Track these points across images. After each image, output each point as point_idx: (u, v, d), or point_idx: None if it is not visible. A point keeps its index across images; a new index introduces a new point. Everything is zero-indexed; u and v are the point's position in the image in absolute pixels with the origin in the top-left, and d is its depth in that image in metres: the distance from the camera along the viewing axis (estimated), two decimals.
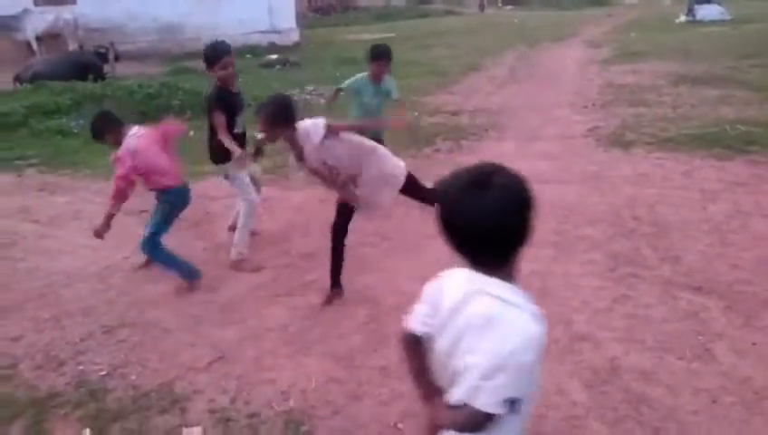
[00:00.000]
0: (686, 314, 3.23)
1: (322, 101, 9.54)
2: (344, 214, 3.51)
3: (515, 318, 1.27)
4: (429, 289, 1.49)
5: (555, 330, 3.12)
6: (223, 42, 4.07)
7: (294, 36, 17.42)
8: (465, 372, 1.30)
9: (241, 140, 4.14)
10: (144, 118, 7.75)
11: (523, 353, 1.25)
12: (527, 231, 1.28)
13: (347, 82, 4.63)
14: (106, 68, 12.22)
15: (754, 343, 2.95)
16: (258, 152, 3.92)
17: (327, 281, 3.76)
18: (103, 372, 3.01)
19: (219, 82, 3.97)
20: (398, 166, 3.41)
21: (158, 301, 3.69)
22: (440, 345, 1.40)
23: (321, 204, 5.12)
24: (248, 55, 14.10)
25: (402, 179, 3.37)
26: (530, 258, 3.65)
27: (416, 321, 1.50)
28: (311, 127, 3.21)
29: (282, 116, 3.19)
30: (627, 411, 2.54)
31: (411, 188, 3.45)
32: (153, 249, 3.81)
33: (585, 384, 2.72)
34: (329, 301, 3.56)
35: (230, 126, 3.97)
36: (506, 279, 1.32)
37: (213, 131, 4.00)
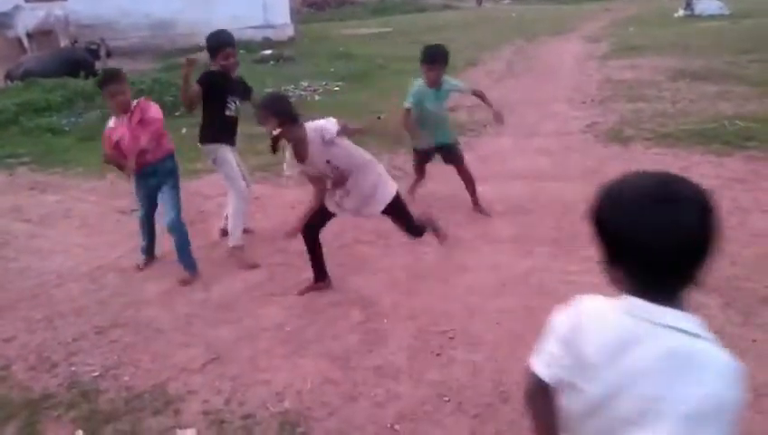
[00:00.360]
0: None
1: (317, 97, 9.50)
2: (321, 217, 3.50)
3: (714, 355, 1.09)
4: (560, 323, 1.26)
5: None
6: (225, 31, 4.10)
7: (289, 31, 17.31)
8: (651, 421, 1.09)
9: (231, 123, 4.18)
10: None
11: (732, 394, 1.07)
12: (714, 249, 1.11)
13: (409, 97, 4.26)
14: (98, 65, 12.11)
15: (754, 341, 2.93)
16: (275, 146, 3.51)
17: None
18: (96, 373, 2.98)
19: (221, 67, 4.02)
20: (389, 184, 3.43)
21: (152, 301, 3.65)
22: (591, 391, 1.17)
23: None
24: (242, 51, 13.98)
25: (389, 197, 3.39)
26: (528, 255, 3.63)
27: (545, 363, 1.26)
28: (325, 124, 3.18)
29: (289, 113, 3.13)
30: None
31: (398, 212, 3.46)
32: (181, 229, 3.87)
33: None
34: (306, 290, 3.61)
35: (220, 107, 4.04)
36: (681, 307, 1.13)
37: (205, 113, 4.08)
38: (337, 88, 10.06)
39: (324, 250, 3.64)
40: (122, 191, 5.52)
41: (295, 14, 18.57)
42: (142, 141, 3.66)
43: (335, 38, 17.64)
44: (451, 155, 4.54)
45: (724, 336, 2.95)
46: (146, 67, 12.89)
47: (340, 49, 14.15)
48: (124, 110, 3.72)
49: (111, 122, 3.80)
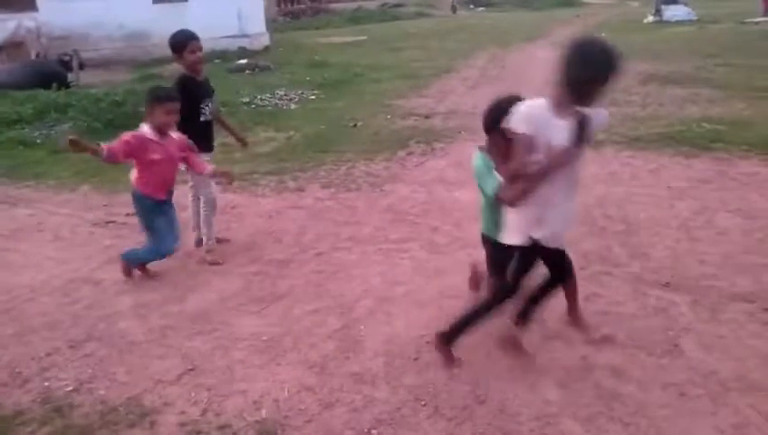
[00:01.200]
0: (656, 310, 3.28)
1: (293, 105, 9.50)
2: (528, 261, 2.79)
3: None
4: None
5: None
6: (186, 29, 4.14)
7: (264, 40, 17.28)
8: None
9: (207, 128, 4.19)
10: (111, 126, 7.61)
11: None
12: None
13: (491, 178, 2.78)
14: (70, 76, 11.94)
15: (720, 337, 3.01)
16: None
17: (299, 289, 3.75)
18: (70, 388, 2.93)
19: (186, 70, 4.03)
20: None
21: (126, 313, 3.61)
22: None
23: (291, 211, 5.09)
24: (217, 60, 13.93)
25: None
26: None
27: None
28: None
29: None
30: (599, 408, 2.57)
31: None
32: None
33: (557, 382, 2.74)
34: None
35: (195, 114, 4.03)
36: None
37: (181, 120, 3.98)
38: (313, 96, 10.07)
39: (301, 257, 3.64)
40: (96, 204, 5.46)
41: (271, 24, 18.57)
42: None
43: (311, 47, 17.65)
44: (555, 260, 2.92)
45: (693, 333, 3.05)
46: (120, 78, 12.75)
47: (316, 57, 14.16)
48: (165, 131, 3.73)
49: (149, 133, 3.70)
